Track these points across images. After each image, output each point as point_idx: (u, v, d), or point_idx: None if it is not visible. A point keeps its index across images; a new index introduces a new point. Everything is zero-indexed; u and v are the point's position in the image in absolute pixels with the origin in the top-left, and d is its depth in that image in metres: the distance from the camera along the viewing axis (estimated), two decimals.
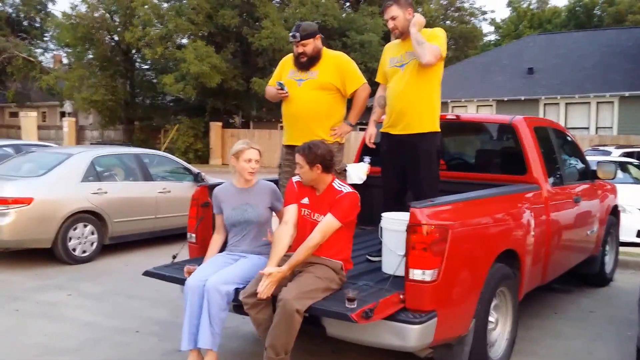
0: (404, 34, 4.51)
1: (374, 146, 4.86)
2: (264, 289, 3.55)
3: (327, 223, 3.73)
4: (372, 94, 4.89)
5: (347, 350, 4.49)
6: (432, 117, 4.52)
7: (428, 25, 4.57)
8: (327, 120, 4.71)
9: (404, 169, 4.62)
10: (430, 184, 4.50)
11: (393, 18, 4.48)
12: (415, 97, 4.46)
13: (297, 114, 4.72)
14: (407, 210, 3.52)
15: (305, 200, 3.95)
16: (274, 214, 4.34)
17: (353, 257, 4.14)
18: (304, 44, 4.66)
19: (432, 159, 4.55)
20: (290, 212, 3.93)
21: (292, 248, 3.99)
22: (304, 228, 3.92)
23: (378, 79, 4.91)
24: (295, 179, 4.10)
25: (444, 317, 3.44)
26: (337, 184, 3.89)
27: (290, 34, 4.70)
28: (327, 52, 4.82)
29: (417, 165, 4.51)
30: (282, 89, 4.70)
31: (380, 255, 4.27)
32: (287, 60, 4.96)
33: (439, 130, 4.56)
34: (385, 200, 4.68)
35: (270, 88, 4.93)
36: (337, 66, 4.75)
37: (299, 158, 3.85)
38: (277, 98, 4.84)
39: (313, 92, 4.67)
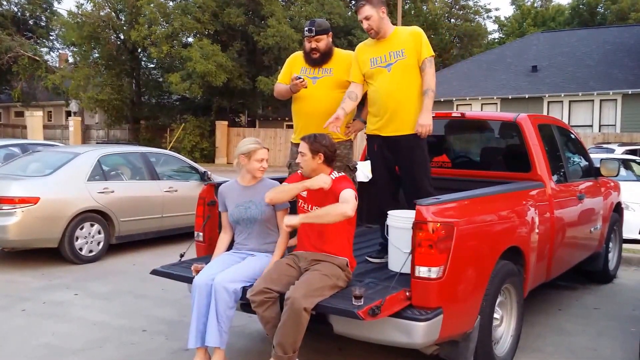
0: (379, 33, 4.46)
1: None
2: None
3: (344, 195, 3.73)
4: None
5: (353, 347, 4.52)
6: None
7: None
8: None
9: (394, 168, 4.59)
10: (428, 182, 4.48)
11: (367, 18, 4.40)
12: (407, 97, 4.41)
13: (312, 111, 4.67)
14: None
15: (304, 193, 4.00)
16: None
17: (361, 255, 4.17)
18: (317, 39, 4.64)
19: (426, 157, 4.53)
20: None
21: (300, 246, 4.02)
22: None
23: (353, 79, 4.62)
24: (300, 171, 4.13)
25: (449, 314, 3.47)
26: (334, 175, 3.94)
27: (305, 29, 4.65)
28: (338, 50, 4.81)
29: (413, 164, 4.46)
30: (301, 79, 4.54)
31: (380, 257, 4.32)
32: (296, 58, 4.91)
33: None
34: (381, 201, 4.62)
35: (280, 85, 4.85)
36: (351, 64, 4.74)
37: (302, 146, 3.91)
38: (289, 94, 4.75)
39: (329, 91, 4.65)
